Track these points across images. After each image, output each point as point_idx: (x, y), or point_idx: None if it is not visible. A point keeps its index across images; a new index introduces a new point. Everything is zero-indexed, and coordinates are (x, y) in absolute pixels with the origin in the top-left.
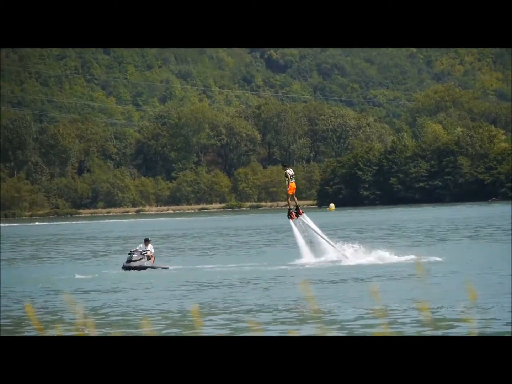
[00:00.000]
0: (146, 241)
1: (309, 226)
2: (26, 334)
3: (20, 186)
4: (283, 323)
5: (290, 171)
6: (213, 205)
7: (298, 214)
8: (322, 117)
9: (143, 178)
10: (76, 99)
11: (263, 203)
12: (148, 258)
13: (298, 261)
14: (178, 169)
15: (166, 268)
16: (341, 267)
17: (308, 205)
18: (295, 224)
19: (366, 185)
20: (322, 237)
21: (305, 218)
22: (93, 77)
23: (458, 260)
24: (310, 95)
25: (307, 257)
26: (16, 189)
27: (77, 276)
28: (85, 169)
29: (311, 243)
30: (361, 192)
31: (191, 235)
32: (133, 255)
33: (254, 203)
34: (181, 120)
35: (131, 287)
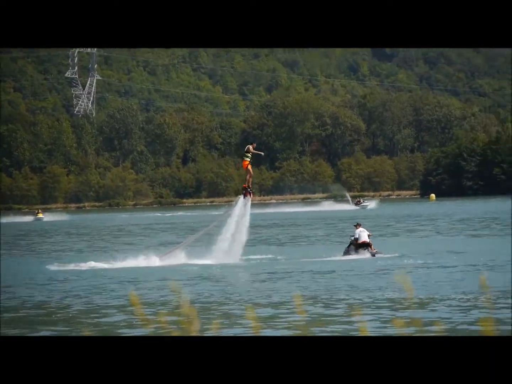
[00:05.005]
0: (357, 226)
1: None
2: (26, 334)
3: (125, 175)
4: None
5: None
6: (316, 195)
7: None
8: (427, 106)
9: None
10: (182, 88)
11: (366, 193)
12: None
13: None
14: (282, 158)
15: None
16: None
17: (410, 195)
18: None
19: (470, 176)
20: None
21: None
22: (200, 66)
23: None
24: (416, 85)
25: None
26: (121, 179)
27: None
28: (190, 158)
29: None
30: (464, 183)
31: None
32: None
33: (357, 193)
34: (286, 110)
35: None
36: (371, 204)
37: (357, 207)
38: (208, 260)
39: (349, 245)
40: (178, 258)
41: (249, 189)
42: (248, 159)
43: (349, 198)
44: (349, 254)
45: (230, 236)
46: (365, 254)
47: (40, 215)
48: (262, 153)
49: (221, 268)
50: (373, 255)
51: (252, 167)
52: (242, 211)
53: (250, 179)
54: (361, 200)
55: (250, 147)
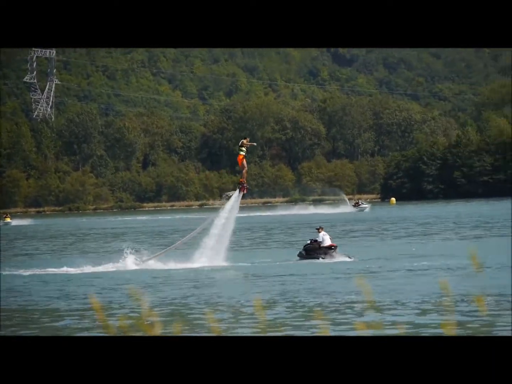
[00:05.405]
0: (319, 229)
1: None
2: (26, 334)
3: (84, 179)
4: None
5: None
6: (277, 199)
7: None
8: (387, 111)
9: (207, 171)
10: (142, 93)
11: (326, 197)
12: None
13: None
14: None
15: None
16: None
17: (371, 199)
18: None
19: (430, 179)
20: None
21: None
22: (160, 71)
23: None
24: (376, 89)
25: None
26: (80, 183)
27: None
28: (150, 163)
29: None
30: (424, 186)
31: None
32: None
33: (317, 197)
34: (246, 114)
35: None
36: (368, 207)
37: (356, 209)
38: (194, 264)
39: (304, 249)
40: (158, 262)
41: (244, 184)
42: (243, 153)
43: (347, 200)
44: (317, 257)
45: (216, 236)
46: (333, 257)
47: (8, 220)
48: (255, 143)
49: (189, 271)
50: (349, 257)
51: (212, 172)
52: (234, 208)
53: (246, 174)
54: (360, 202)
55: (244, 141)
